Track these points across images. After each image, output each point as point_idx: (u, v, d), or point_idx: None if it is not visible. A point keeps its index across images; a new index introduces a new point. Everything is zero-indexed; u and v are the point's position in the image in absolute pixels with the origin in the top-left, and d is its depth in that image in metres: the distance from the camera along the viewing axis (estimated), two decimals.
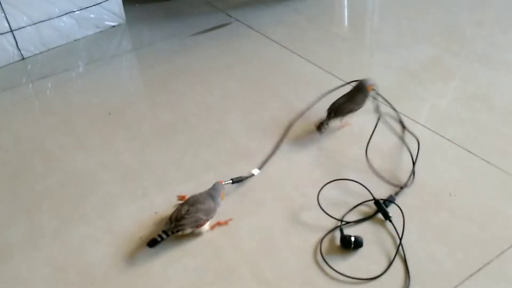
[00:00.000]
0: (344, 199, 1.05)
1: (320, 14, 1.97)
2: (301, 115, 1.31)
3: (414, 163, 1.12)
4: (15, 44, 1.68)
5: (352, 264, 0.92)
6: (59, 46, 1.80)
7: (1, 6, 1.59)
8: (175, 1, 2.17)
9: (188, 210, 0.97)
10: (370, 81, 1.24)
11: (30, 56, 1.75)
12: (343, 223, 0.99)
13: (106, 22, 1.90)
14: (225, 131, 1.32)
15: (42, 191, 1.16)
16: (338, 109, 1.22)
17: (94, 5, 1.82)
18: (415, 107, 1.34)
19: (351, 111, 1.23)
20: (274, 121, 1.32)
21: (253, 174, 1.14)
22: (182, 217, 0.96)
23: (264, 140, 1.25)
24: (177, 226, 0.95)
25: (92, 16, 1.84)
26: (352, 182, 1.07)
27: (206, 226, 1.00)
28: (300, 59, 1.65)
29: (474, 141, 1.20)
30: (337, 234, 0.97)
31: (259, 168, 1.16)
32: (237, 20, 1.95)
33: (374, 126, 1.19)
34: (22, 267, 0.97)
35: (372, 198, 1.03)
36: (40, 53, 1.77)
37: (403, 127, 1.24)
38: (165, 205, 1.09)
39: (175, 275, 0.93)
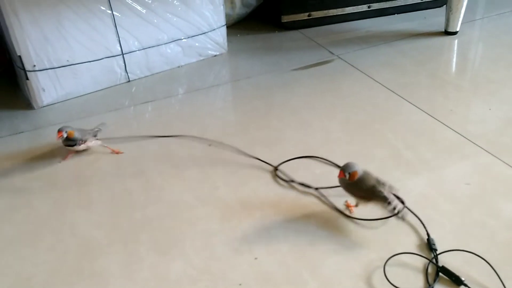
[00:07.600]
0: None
1: (428, 58, 1.86)
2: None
3: None
4: (123, 67, 1.73)
5: None
6: (162, 71, 1.84)
7: (116, 30, 1.65)
8: (275, 34, 2.16)
9: None
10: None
11: (135, 79, 1.79)
12: None
13: (209, 51, 1.92)
14: None
15: (141, 220, 1.14)
16: None
17: (201, 34, 1.84)
18: None
19: None
20: (381, 172, 1.23)
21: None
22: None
23: None
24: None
25: (197, 44, 1.86)
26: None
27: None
28: (410, 105, 1.55)
29: None
30: None
31: None
32: (339, 57, 1.90)
33: None
34: None
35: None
36: (144, 77, 1.81)
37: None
38: (266, 252, 1.03)
39: None
